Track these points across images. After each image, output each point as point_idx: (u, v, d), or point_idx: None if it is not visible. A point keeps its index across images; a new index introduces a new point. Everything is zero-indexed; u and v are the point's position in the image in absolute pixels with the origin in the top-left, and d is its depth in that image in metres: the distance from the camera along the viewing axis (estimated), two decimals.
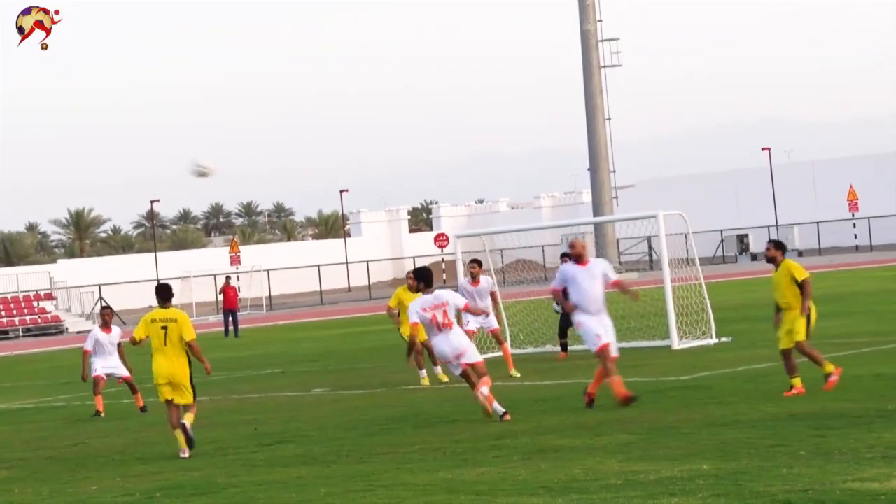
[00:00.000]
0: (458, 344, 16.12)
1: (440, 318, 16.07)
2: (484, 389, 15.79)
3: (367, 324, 48.18)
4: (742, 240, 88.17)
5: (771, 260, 16.57)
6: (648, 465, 11.56)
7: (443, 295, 16.35)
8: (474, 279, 22.12)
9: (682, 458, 11.74)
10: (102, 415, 21.76)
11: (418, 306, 16.15)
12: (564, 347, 25.00)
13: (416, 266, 16.47)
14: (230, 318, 48.35)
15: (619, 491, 10.42)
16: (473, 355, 16.23)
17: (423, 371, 21.56)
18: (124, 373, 22.48)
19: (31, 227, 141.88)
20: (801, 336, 16.18)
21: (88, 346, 22.30)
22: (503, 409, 15.69)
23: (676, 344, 24.43)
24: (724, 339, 24.85)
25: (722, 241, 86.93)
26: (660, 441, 12.94)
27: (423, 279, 16.43)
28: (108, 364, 22.42)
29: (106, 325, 22.65)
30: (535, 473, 11.62)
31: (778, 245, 16.65)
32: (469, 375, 16.11)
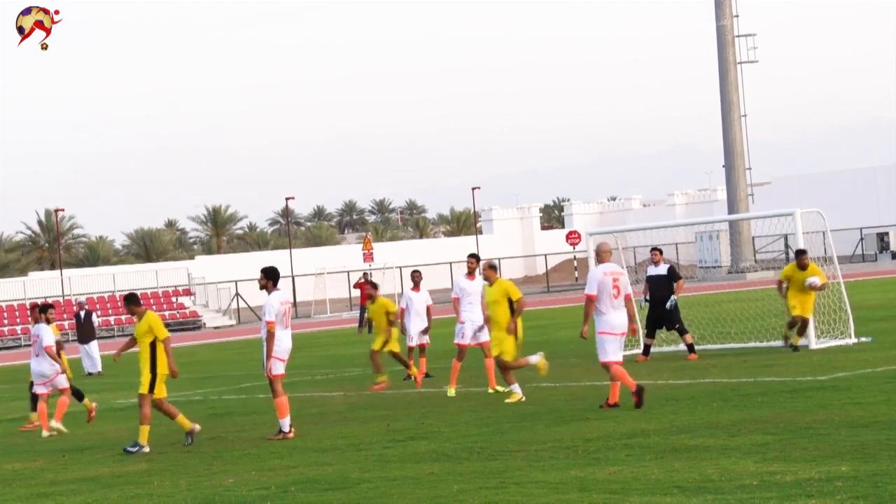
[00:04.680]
0: (290, 347, 17.21)
1: (289, 314, 17.17)
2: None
3: None
4: (882, 238, 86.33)
5: None
6: (785, 465, 11.38)
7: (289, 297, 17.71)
8: (471, 273, 21.58)
9: (820, 460, 11.54)
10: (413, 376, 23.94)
11: (276, 301, 17.00)
12: (647, 350, 24.73)
13: (265, 266, 17.57)
14: (365, 314, 48.69)
15: (755, 492, 10.27)
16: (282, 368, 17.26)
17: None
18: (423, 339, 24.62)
19: (170, 224, 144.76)
20: None
21: (402, 304, 24.55)
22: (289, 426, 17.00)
23: (814, 343, 24.01)
24: (863, 339, 24.35)
25: (861, 239, 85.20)
26: (796, 442, 12.72)
27: (271, 277, 17.18)
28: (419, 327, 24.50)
29: (416, 286, 24.63)
30: (668, 473, 11.50)
31: None
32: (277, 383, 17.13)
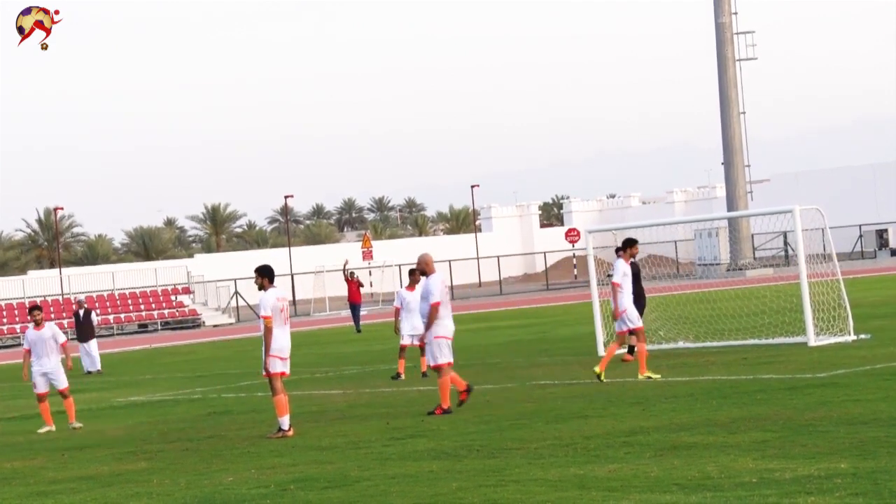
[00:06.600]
0: (288, 345, 17.12)
1: (286, 312, 17.16)
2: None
3: (497, 319, 48.24)
4: (881, 235, 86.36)
5: None
6: (784, 463, 11.37)
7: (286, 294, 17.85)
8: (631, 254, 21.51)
9: (819, 457, 11.53)
10: (403, 377, 24.26)
11: (273, 297, 16.95)
12: (632, 350, 24.54)
13: (261, 265, 17.45)
14: (355, 312, 46.78)
15: (754, 489, 10.27)
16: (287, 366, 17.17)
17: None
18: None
19: (169, 223, 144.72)
20: None
21: (396, 303, 24.88)
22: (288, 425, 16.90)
23: (813, 341, 24.01)
24: (862, 336, 24.34)
25: (860, 236, 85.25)
26: (796, 439, 12.72)
27: (267, 275, 17.18)
28: (415, 325, 24.16)
29: (411, 285, 24.52)
30: (667, 470, 11.50)
31: None
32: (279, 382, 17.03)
